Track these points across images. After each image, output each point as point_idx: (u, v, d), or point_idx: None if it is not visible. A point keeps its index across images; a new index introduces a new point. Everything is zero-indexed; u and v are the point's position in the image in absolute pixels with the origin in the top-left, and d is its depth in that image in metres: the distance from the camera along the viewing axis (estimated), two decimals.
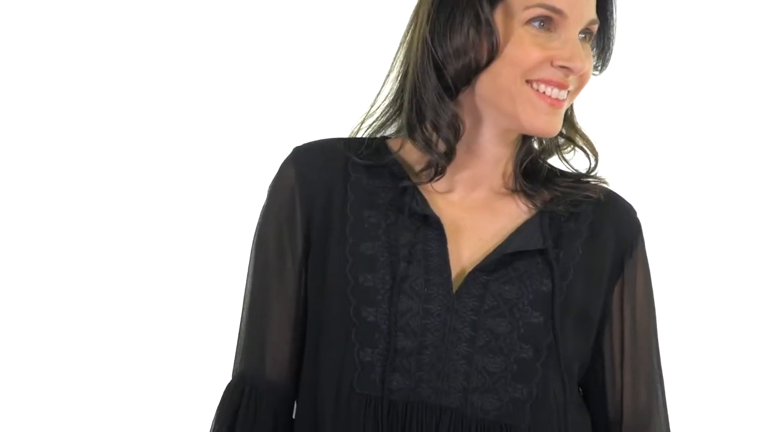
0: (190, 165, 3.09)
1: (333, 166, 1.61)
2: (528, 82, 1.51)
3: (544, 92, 1.52)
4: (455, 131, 1.56)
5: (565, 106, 1.55)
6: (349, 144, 1.63)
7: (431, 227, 1.56)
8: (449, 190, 1.61)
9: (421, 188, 1.59)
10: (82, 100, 3.10)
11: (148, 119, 3.10)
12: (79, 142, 3.09)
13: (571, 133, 1.65)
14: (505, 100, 1.52)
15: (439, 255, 1.55)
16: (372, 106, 1.65)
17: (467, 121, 1.57)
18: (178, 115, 3.09)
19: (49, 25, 3.07)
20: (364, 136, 1.65)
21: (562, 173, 1.66)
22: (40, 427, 3.04)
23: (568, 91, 1.53)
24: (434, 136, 1.56)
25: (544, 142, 1.65)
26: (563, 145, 1.66)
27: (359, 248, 1.56)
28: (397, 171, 1.60)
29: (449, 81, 1.53)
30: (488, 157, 1.60)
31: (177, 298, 3.05)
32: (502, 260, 1.55)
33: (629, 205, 1.68)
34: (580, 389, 1.67)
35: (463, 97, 1.56)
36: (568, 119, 1.64)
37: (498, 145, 1.59)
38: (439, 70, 1.53)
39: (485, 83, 1.53)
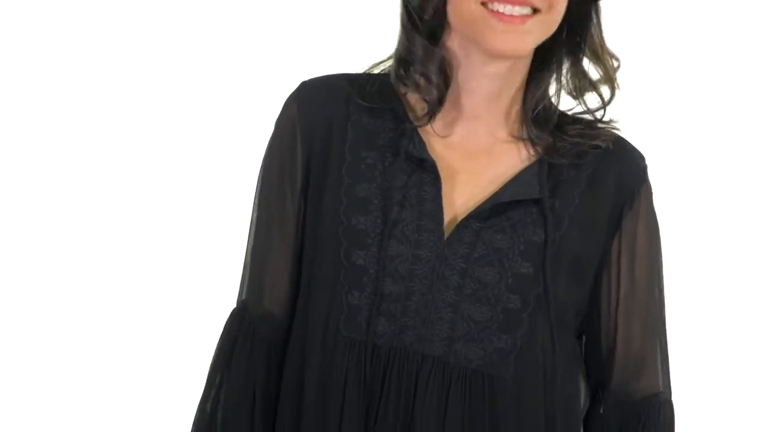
0: (189, 165, 3.09)
1: (335, 104, 1.60)
2: (483, 3, 1.50)
3: (497, 10, 1.50)
4: (444, 76, 1.56)
5: (532, 24, 1.51)
6: (354, 82, 1.62)
7: (427, 171, 1.55)
8: (449, 134, 1.59)
9: (421, 131, 1.58)
10: (82, 100, 3.10)
11: (148, 119, 3.11)
12: (79, 142, 3.10)
13: (596, 64, 1.61)
14: (468, 26, 1.52)
15: (433, 200, 1.54)
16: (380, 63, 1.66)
17: (455, 62, 1.56)
18: (177, 115, 3.10)
19: (49, 25, 3.07)
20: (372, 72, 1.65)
21: (575, 119, 1.63)
22: (40, 427, 3.04)
23: (535, 9, 1.51)
24: (424, 82, 1.56)
25: (555, 83, 1.62)
26: (581, 85, 1.61)
27: (354, 189, 1.56)
28: (400, 112, 1.59)
29: (428, 25, 1.54)
30: (481, 92, 1.57)
31: (177, 297, 3.05)
32: (496, 209, 1.54)
33: (636, 152, 1.64)
34: (583, 338, 1.65)
35: (446, 38, 1.56)
36: (593, 50, 1.60)
37: (485, 78, 1.56)
38: (417, 18, 1.54)
39: (452, 16, 1.53)
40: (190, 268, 3.07)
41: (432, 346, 1.51)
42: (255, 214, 1.65)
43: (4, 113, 3.08)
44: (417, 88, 1.57)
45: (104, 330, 3.10)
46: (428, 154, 1.55)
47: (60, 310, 3.11)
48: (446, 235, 1.53)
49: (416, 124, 1.57)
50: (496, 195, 1.55)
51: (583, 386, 1.63)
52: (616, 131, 1.62)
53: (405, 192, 1.54)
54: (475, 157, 1.59)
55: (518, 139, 1.60)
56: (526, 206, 1.55)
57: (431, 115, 1.56)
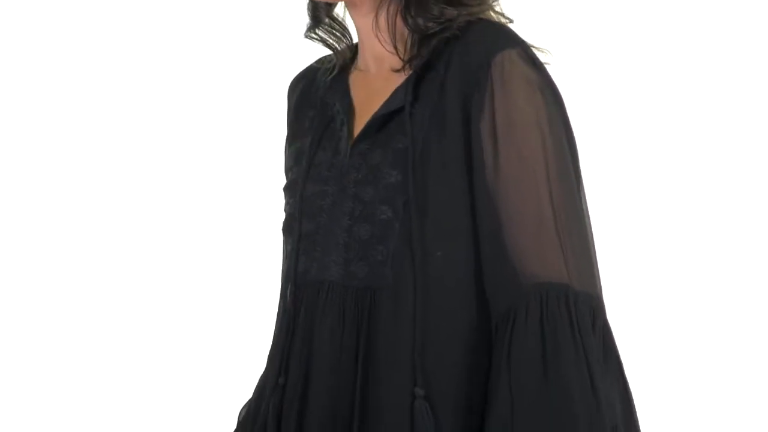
0: (189, 165, 3.08)
1: (305, 83, 1.74)
2: None
3: None
4: (316, 21, 1.67)
5: None
6: (324, 59, 1.74)
7: (342, 112, 1.61)
8: (366, 68, 1.64)
9: (352, 75, 1.66)
10: (82, 101, 3.09)
11: (148, 119, 3.10)
12: (79, 143, 3.09)
13: None
14: None
15: (344, 137, 1.59)
16: None
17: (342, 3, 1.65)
18: (177, 115, 3.09)
19: (49, 25, 3.07)
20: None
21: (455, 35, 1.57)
22: (40, 427, 3.04)
23: None
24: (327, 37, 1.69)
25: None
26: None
27: (293, 146, 1.68)
28: (334, 66, 1.69)
29: None
30: (360, 27, 1.62)
31: (176, 297, 3.04)
32: (373, 128, 1.56)
33: (487, 31, 1.53)
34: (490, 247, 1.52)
35: None
36: None
37: (354, 14, 1.62)
38: None
39: None
40: (189, 269, 3.07)
41: (330, 272, 1.55)
42: None
43: (3, 113, 3.07)
44: (321, 40, 1.69)
45: (104, 330, 3.09)
46: (341, 95, 1.63)
47: (60, 310, 3.10)
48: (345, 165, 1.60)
49: (332, 72, 1.67)
50: (373, 114, 1.57)
51: (477, 301, 1.51)
52: (468, 17, 1.54)
53: (326, 137, 1.62)
54: (378, 89, 1.61)
55: (404, 62, 1.58)
56: (398, 118, 1.54)
57: (338, 64, 1.67)
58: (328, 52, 1.70)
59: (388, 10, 1.57)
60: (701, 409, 3.10)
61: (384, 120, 1.55)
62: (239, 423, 1.72)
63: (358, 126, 1.59)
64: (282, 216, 1.67)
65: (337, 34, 1.68)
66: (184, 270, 3.06)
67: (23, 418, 3.06)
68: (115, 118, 3.09)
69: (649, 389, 3.07)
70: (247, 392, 1.74)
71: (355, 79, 1.64)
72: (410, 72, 1.55)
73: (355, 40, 1.68)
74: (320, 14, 1.66)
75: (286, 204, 1.64)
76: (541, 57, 1.54)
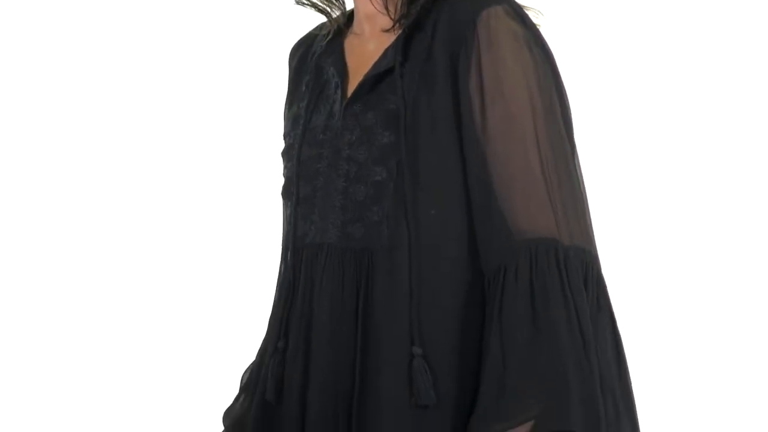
0: (188, 165, 3.09)
1: (304, 49, 1.74)
2: None
3: None
4: None
5: None
6: (323, 25, 1.74)
7: (337, 75, 1.61)
8: (361, 31, 1.64)
9: (347, 38, 1.66)
10: (82, 101, 3.09)
11: (147, 119, 3.10)
12: (79, 142, 3.09)
13: None
14: None
15: (337, 100, 1.59)
16: None
17: None
18: (176, 115, 3.09)
19: (49, 25, 3.07)
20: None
21: None
22: (40, 427, 3.04)
23: None
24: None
25: None
26: None
27: (291, 111, 1.68)
28: (329, 32, 1.69)
29: None
30: None
31: (176, 297, 3.05)
32: (366, 87, 1.56)
33: None
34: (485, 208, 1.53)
35: None
36: None
37: None
38: None
39: None
40: (188, 269, 3.07)
41: (328, 235, 1.56)
42: None
43: (3, 113, 3.07)
44: (315, 7, 1.69)
45: (104, 330, 3.10)
46: (334, 59, 1.62)
47: (59, 310, 3.10)
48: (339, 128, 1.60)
49: (328, 37, 1.67)
50: (364, 76, 1.57)
51: (469, 257, 1.52)
52: None
53: (321, 100, 1.63)
54: (370, 50, 1.61)
55: (394, 22, 1.59)
56: (389, 79, 1.54)
57: (333, 30, 1.67)
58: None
59: None
60: (701, 408, 3.10)
61: (375, 81, 1.55)
62: (241, 387, 1.73)
63: (352, 88, 1.59)
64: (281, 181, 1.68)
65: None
66: (183, 270, 3.07)
67: (23, 418, 3.07)
68: (115, 118, 3.09)
69: (649, 389, 3.08)
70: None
71: (350, 43, 1.64)
72: (400, 32, 1.55)
73: (350, 5, 1.68)
74: None
75: (285, 168, 1.65)
76: (532, 17, 1.53)
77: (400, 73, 1.53)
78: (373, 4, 1.59)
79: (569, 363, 1.41)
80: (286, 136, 1.68)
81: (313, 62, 1.67)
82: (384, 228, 1.52)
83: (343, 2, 1.69)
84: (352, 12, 1.68)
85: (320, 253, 1.56)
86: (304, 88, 1.67)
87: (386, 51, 1.56)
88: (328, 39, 1.67)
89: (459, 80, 1.50)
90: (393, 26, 1.56)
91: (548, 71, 1.50)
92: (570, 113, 1.53)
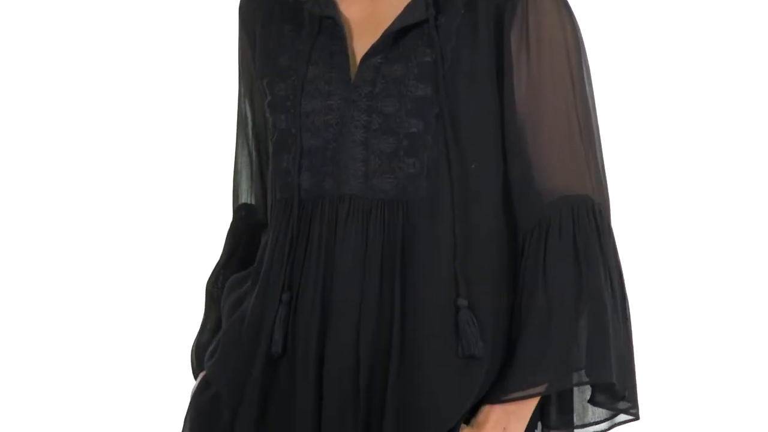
0: (188, 165, 3.08)
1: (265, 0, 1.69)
2: None
3: None
4: None
5: None
6: None
7: (334, 27, 1.58)
8: None
9: None
10: (81, 100, 3.09)
11: (146, 119, 3.10)
12: (78, 142, 3.09)
13: None
14: None
15: (340, 52, 1.57)
16: None
17: None
18: (176, 115, 3.09)
19: (49, 25, 3.06)
20: None
21: None
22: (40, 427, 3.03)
23: None
24: None
25: None
26: None
27: (277, 62, 1.62)
28: None
29: None
30: None
31: (176, 297, 3.04)
32: (388, 40, 1.55)
33: None
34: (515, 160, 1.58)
35: None
36: None
37: None
38: None
39: None
40: (188, 269, 3.06)
41: (349, 186, 1.54)
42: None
43: (3, 113, 3.07)
44: None
45: (103, 330, 3.09)
46: (331, 10, 1.59)
47: (59, 310, 3.10)
48: (353, 79, 1.57)
49: None
50: (388, 28, 1.56)
51: (504, 209, 1.58)
52: None
53: (316, 51, 1.59)
54: (380, 4, 1.60)
55: None
56: (417, 31, 1.55)
57: None
58: None
59: None
60: (700, 408, 3.10)
61: (398, 34, 1.55)
62: (214, 355, 1.65)
63: (358, 40, 1.58)
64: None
65: None
66: (183, 270, 3.06)
67: (23, 418, 3.06)
68: (114, 117, 3.08)
69: (648, 388, 3.07)
70: None
71: None
72: None
73: None
74: None
75: (276, 120, 1.60)
76: None
77: (435, 26, 1.54)
78: None
79: (609, 322, 1.53)
80: (268, 86, 1.63)
81: (292, 11, 1.63)
82: (422, 181, 1.53)
83: None
84: None
85: (341, 204, 1.54)
86: (287, 39, 1.63)
87: (410, 5, 1.55)
88: None
89: (504, 36, 1.54)
90: None
91: (578, 31, 1.57)
92: (591, 76, 1.60)
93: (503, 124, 1.55)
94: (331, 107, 1.56)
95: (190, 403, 1.65)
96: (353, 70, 1.57)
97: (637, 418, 1.57)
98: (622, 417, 1.58)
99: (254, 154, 1.73)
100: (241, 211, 1.75)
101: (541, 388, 1.52)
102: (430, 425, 1.52)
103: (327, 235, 1.55)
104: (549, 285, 1.52)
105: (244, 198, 1.75)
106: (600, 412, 1.58)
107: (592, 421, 1.59)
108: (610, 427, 1.60)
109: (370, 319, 1.52)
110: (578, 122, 1.56)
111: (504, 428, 1.53)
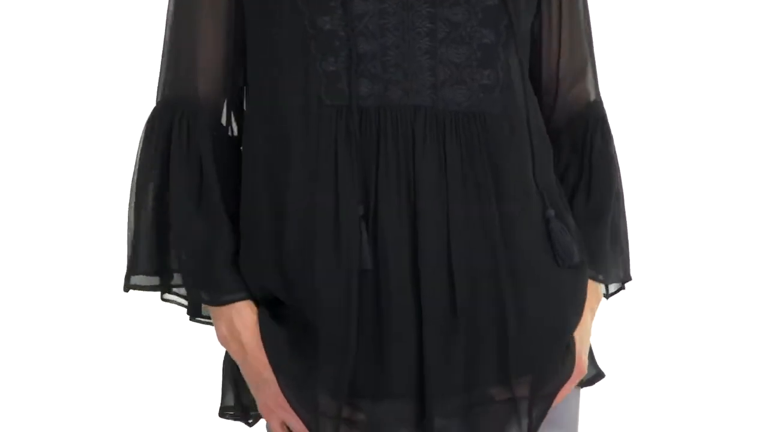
0: None
1: None
2: None
3: None
4: None
5: None
6: None
7: None
8: None
9: None
10: (81, 100, 3.10)
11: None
12: (77, 142, 3.10)
13: None
14: None
15: None
16: None
17: None
18: None
19: (49, 25, 3.08)
20: None
21: None
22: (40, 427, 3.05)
23: None
24: None
25: None
26: None
27: None
28: None
29: None
30: None
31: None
32: None
33: None
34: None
35: None
36: None
37: None
38: None
39: None
40: None
41: (421, 97, 1.51)
42: (172, 4, 1.60)
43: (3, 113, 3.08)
44: None
45: (103, 329, 3.10)
46: None
47: (59, 310, 3.11)
48: None
49: None
50: None
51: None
52: None
53: None
54: None
55: None
56: None
57: None
58: None
59: None
60: (699, 407, 3.11)
61: None
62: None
63: None
64: None
65: None
66: None
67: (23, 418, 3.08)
68: (115, 117, 3.10)
69: (647, 388, 3.08)
70: None
71: None
72: None
73: None
74: None
75: (317, 20, 1.50)
76: None
77: None
78: None
79: (620, 180, 1.68)
80: None
81: None
82: (498, 93, 1.53)
83: None
84: None
85: (416, 115, 1.50)
86: None
87: None
88: None
89: None
90: None
91: None
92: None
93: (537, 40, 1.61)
94: (386, 11, 1.50)
95: (262, 334, 1.53)
96: None
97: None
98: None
99: (227, 41, 1.58)
100: (182, 105, 1.57)
101: (618, 285, 1.67)
102: (560, 335, 1.55)
103: (404, 147, 1.50)
104: (593, 170, 1.63)
105: (203, 88, 1.58)
106: None
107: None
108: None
109: (462, 234, 1.49)
110: (590, 50, 1.67)
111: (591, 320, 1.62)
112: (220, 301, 1.54)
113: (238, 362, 1.55)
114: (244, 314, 1.53)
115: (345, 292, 1.48)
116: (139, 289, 1.59)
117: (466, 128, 1.51)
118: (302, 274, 1.50)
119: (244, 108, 1.63)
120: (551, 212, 1.55)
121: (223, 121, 1.63)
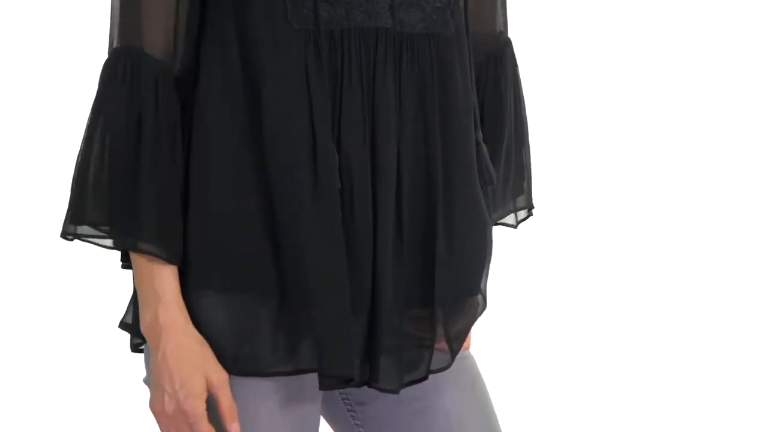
0: None
1: None
2: None
3: None
4: None
5: None
6: None
7: None
8: None
9: None
10: (80, 100, 3.10)
11: None
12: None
13: None
14: None
15: None
16: None
17: None
18: None
19: (49, 25, 3.08)
20: None
21: None
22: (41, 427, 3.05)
23: None
24: None
25: None
26: None
27: None
28: None
29: None
30: None
31: None
32: None
33: None
34: None
35: None
36: None
37: None
38: None
39: None
40: None
41: (381, 19, 1.53)
42: None
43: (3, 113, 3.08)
44: None
45: (102, 329, 3.11)
46: None
47: (58, 310, 3.11)
48: None
49: None
50: None
51: None
52: None
53: None
54: None
55: None
56: None
57: None
58: None
59: None
60: (699, 408, 3.12)
61: None
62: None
63: None
64: None
65: None
66: None
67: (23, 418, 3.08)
68: None
69: (646, 388, 3.09)
70: None
71: None
72: None
73: None
74: None
75: None
76: None
77: None
78: None
79: (526, 112, 1.74)
80: None
81: None
82: (449, 14, 1.57)
83: None
84: None
85: (379, 38, 1.53)
86: None
87: None
88: None
89: None
90: None
91: None
92: None
93: None
94: None
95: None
96: None
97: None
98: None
99: None
100: (141, 56, 1.52)
101: (525, 213, 1.75)
102: (483, 259, 1.61)
103: (366, 67, 1.52)
104: (505, 100, 1.69)
105: (141, 40, 1.53)
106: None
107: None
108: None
109: (411, 156, 1.54)
110: None
111: None
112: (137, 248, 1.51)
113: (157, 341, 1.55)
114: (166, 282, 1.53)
115: (330, 212, 1.51)
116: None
117: (420, 50, 1.55)
118: (288, 194, 1.51)
119: (201, 48, 1.60)
120: (479, 135, 1.61)
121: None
